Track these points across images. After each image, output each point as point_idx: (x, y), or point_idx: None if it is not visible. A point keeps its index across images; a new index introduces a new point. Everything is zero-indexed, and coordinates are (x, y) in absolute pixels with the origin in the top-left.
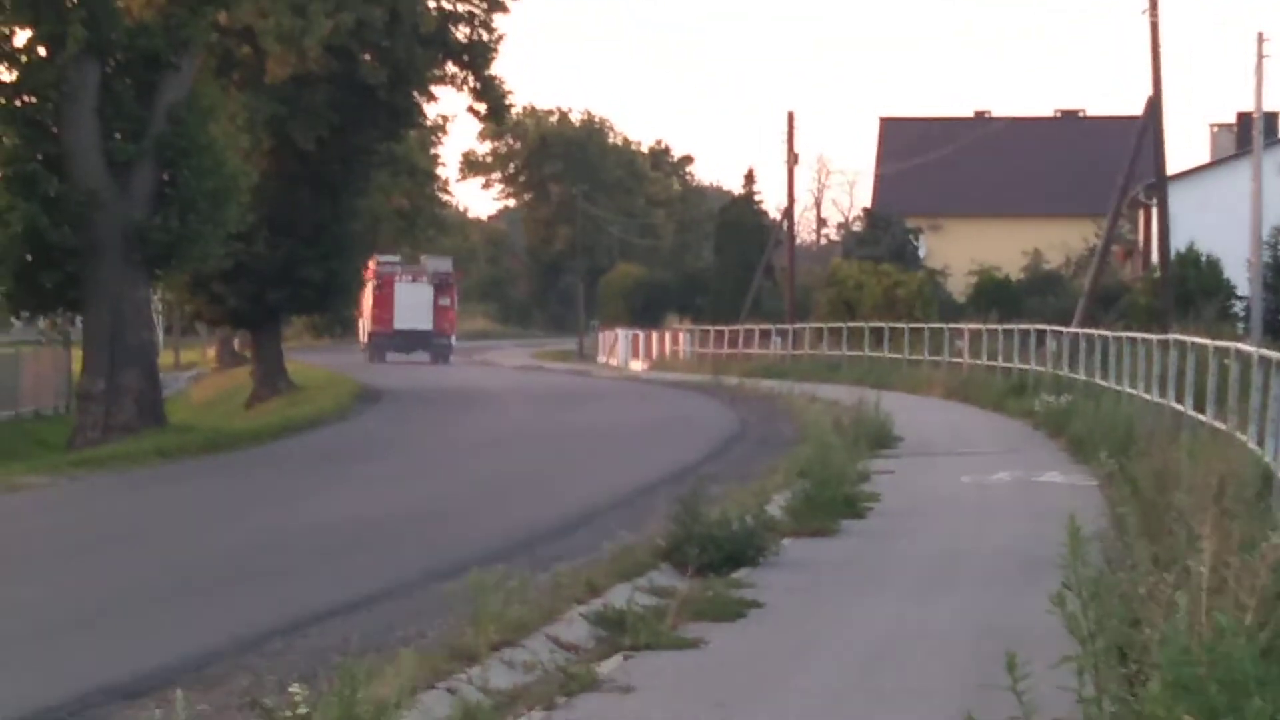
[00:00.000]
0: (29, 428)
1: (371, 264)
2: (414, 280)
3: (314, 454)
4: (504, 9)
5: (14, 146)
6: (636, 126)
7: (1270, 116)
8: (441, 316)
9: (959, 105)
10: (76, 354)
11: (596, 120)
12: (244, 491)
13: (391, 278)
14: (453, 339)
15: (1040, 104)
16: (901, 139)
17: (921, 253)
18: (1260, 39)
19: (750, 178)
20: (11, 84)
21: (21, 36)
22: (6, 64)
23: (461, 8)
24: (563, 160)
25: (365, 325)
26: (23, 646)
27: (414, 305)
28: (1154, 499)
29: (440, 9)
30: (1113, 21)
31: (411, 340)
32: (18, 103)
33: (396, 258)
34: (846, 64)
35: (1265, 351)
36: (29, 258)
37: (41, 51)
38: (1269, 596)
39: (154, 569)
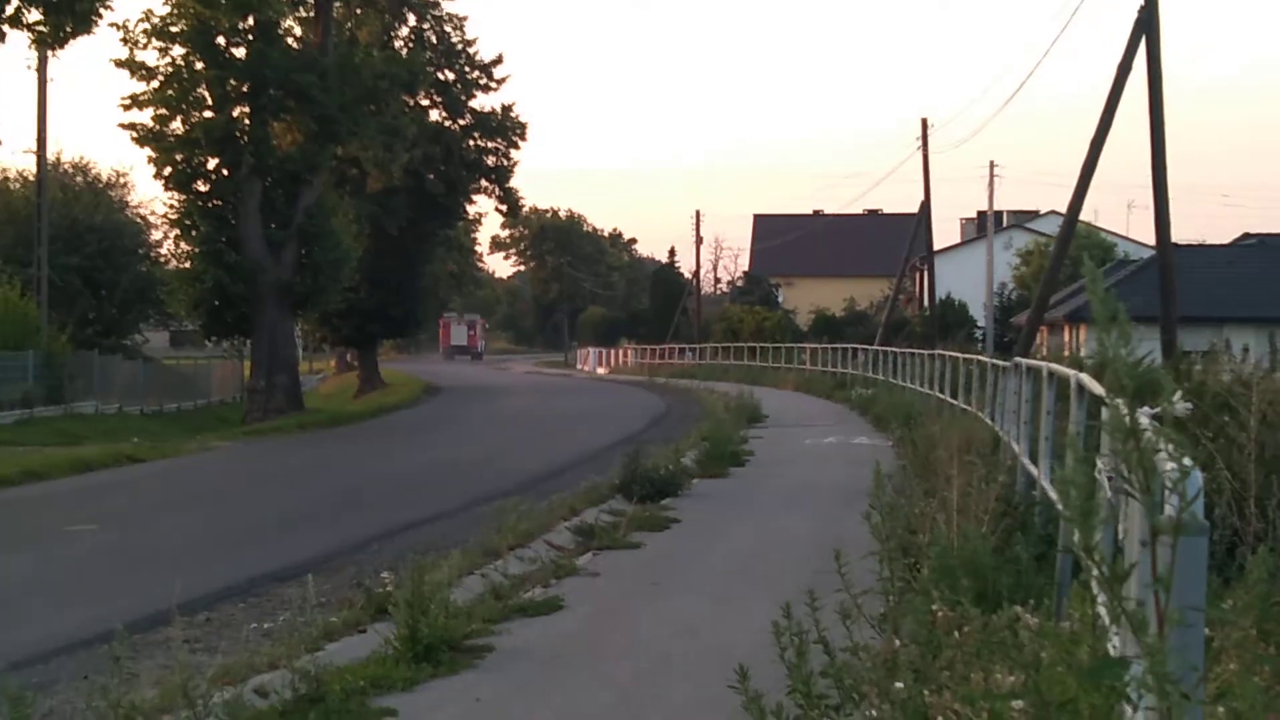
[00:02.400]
0: (216, 411)
1: (442, 318)
2: (458, 324)
3: (397, 427)
4: (518, 147)
5: (206, 232)
6: (601, 218)
7: (998, 214)
8: (472, 339)
9: (803, 205)
10: (246, 364)
11: (576, 215)
12: (354, 451)
13: (449, 322)
14: (482, 350)
15: (854, 205)
16: (768, 226)
17: (780, 299)
18: (991, 165)
19: (672, 252)
20: (206, 193)
21: (212, 163)
22: (203, 180)
23: (490, 145)
24: (554, 240)
25: (441, 344)
26: (213, 549)
27: (459, 334)
28: (926, 453)
29: (478, 145)
30: (899, 151)
31: (460, 350)
32: (210, 205)
33: (454, 313)
34: (732, 179)
35: (994, 360)
36: (217, 303)
37: (225, 172)
38: (996, 514)
39: (295, 500)
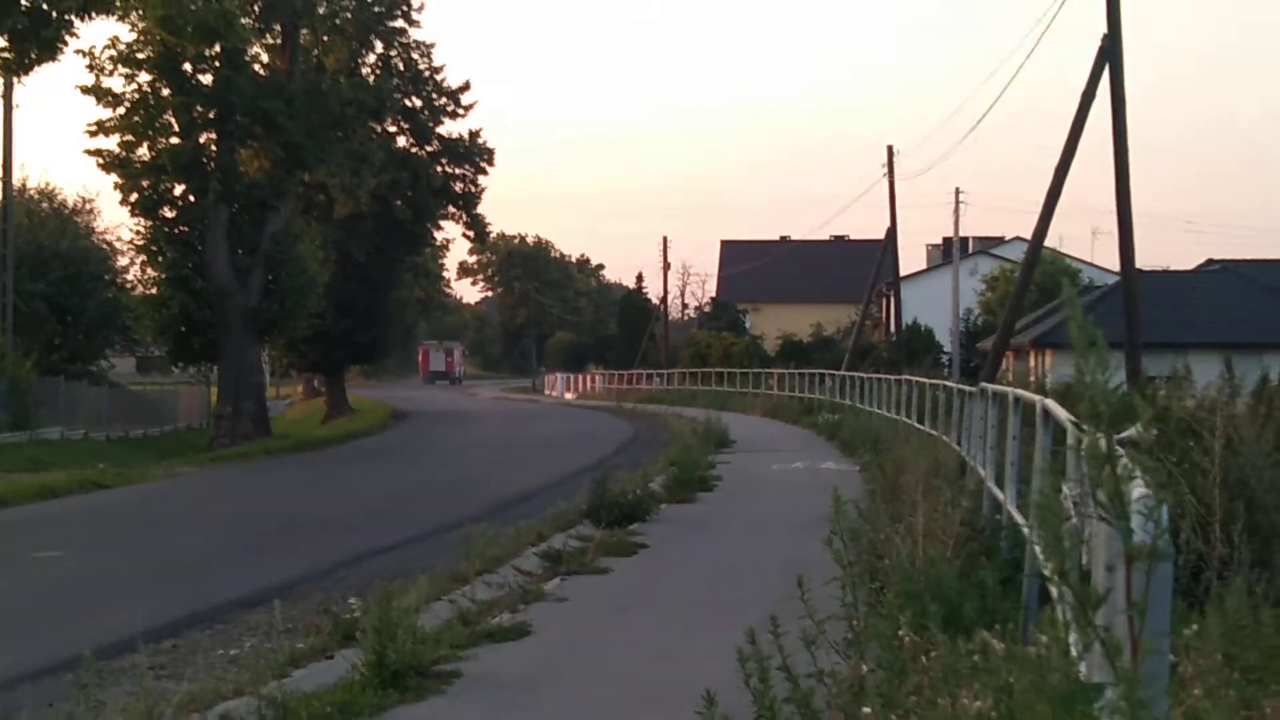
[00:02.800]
0: (183, 437)
1: (421, 345)
2: (437, 350)
3: (365, 453)
4: (485, 173)
5: (173, 258)
6: (568, 244)
7: (964, 240)
8: (450, 366)
9: (770, 231)
10: (213, 390)
11: (543, 241)
12: (320, 476)
13: (428, 349)
14: (460, 376)
15: (821, 231)
16: (735, 252)
17: (747, 325)
18: (957, 192)
19: (640, 278)
20: (172, 219)
21: (179, 189)
22: (169, 207)
23: (457, 171)
24: (522, 267)
25: (421, 370)
26: (179, 575)
27: (437, 361)
28: (892, 478)
29: (445, 171)
30: (866, 177)
31: (439, 376)
32: (176, 231)
33: (434, 341)
34: (699, 205)
35: (960, 386)
36: (183, 329)
37: (191, 199)
38: (961, 538)
39: (263, 525)
